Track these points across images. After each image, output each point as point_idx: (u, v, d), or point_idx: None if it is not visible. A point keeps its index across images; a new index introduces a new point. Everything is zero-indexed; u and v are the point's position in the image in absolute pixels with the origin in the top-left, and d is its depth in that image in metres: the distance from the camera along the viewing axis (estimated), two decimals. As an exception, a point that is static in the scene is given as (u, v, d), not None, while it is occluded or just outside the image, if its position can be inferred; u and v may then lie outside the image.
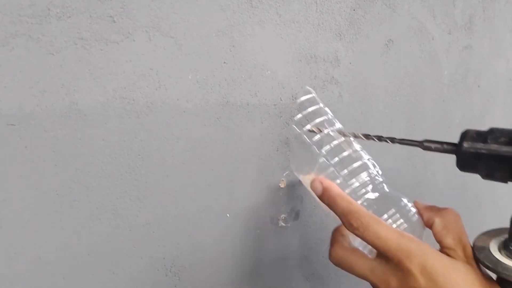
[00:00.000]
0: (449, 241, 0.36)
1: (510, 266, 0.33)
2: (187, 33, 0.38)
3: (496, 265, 0.33)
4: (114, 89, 0.35)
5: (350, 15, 0.52)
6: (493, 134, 0.34)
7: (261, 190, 0.46)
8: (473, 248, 0.35)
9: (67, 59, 0.32)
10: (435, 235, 0.37)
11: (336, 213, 0.36)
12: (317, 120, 0.42)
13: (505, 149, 0.32)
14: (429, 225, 0.38)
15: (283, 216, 0.49)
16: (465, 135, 0.36)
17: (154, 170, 0.38)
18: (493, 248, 0.35)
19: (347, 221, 0.35)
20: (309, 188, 0.40)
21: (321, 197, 0.38)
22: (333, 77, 0.51)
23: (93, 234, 0.35)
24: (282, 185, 0.48)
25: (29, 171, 0.32)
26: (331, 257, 0.38)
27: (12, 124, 0.30)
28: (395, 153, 0.62)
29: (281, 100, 0.46)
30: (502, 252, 0.35)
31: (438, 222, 0.37)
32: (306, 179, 0.42)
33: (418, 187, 0.68)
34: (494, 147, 0.33)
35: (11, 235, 0.31)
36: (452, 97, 0.70)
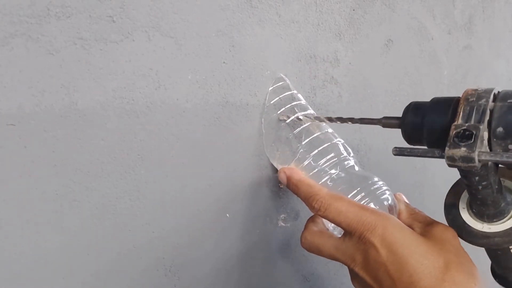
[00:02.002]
0: (404, 217, 0.36)
1: (475, 231, 0.32)
2: (186, 33, 0.38)
3: (461, 230, 0.33)
4: (114, 89, 0.35)
5: (350, 15, 0.52)
6: (433, 104, 0.33)
7: (261, 190, 0.46)
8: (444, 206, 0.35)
9: (67, 59, 0.32)
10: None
11: (300, 199, 0.37)
12: (288, 106, 0.43)
13: (439, 119, 0.32)
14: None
15: (283, 216, 0.49)
16: (407, 108, 0.36)
17: (154, 170, 0.38)
18: (462, 204, 0.35)
19: (309, 204, 0.35)
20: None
21: (287, 186, 0.39)
22: (332, 77, 0.51)
23: (93, 234, 0.35)
24: (282, 185, 0.48)
25: (29, 171, 0.31)
26: (301, 243, 0.38)
27: (11, 124, 0.30)
28: (395, 153, 0.62)
29: (280, 100, 0.46)
30: (471, 211, 0.34)
31: (404, 209, 0.38)
32: (279, 166, 0.43)
33: (418, 187, 0.68)
34: (431, 117, 0.32)
35: (10, 235, 0.31)
36: (452, 97, 0.70)
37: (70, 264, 0.34)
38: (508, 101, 0.29)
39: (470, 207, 0.34)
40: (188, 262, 0.41)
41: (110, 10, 0.34)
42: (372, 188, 0.37)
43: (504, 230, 0.32)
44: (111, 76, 0.34)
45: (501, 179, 0.33)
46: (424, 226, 0.34)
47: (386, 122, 0.37)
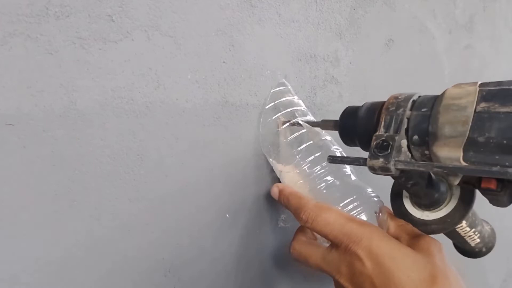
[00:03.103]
0: (392, 228, 0.37)
1: (415, 219, 0.34)
2: (186, 33, 0.38)
3: (404, 218, 0.35)
4: (113, 88, 0.35)
5: (350, 15, 0.52)
6: (363, 110, 0.35)
7: (261, 190, 0.46)
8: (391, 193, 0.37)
9: (66, 58, 0.32)
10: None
11: (291, 212, 0.37)
12: (288, 110, 0.43)
13: (366, 126, 0.34)
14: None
15: (282, 216, 0.48)
16: (343, 112, 0.37)
17: (153, 170, 0.38)
18: (405, 193, 0.36)
19: (298, 215, 0.36)
20: (277, 174, 0.43)
21: (279, 200, 0.39)
22: (333, 76, 0.51)
23: (92, 234, 0.35)
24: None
25: (28, 171, 0.31)
26: (290, 252, 0.38)
27: (10, 124, 0.30)
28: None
29: (280, 104, 0.46)
30: (412, 200, 0.36)
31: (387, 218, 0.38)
32: (275, 165, 0.44)
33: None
34: (361, 124, 0.35)
35: (9, 236, 0.31)
36: (453, 96, 0.70)
37: (70, 265, 0.34)
38: (422, 110, 0.31)
39: (411, 197, 0.36)
40: (188, 263, 0.41)
41: (109, 9, 0.33)
42: (365, 198, 0.38)
43: (439, 218, 0.33)
44: (110, 75, 0.34)
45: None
46: (411, 238, 0.35)
47: (324, 124, 0.40)
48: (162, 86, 0.37)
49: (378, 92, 0.58)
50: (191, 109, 0.39)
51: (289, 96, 0.44)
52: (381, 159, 0.30)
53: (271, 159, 0.44)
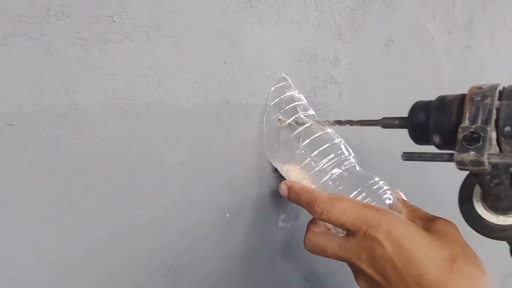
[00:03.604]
0: (405, 214, 0.37)
1: (490, 224, 0.32)
2: (186, 33, 0.38)
3: (477, 224, 0.32)
4: (114, 89, 0.35)
5: (350, 15, 0.52)
6: (438, 104, 0.32)
7: (261, 190, 0.46)
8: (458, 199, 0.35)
9: (67, 59, 0.32)
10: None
11: (302, 207, 0.37)
12: (290, 106, 0.43)
13: (445, 120, 0.31)
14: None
15: (282, 216, 0.49)
16: (413, 108, 0.34)
17: (154, 170, 0.38)
18: (476, 198, 0.34)
19: (312, 209, 0.35)
20: (282, 173, 0.42)
21: (288, 197, 0.39)
22: (333, 77, 0.51)
23: (92, 234, 0.35)
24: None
25: (28, 171, 0.31)
26: (305, 245, 0.38)
27: (11, 124, 0.30)
28: (395, 153, 0.62)
29: (282, 100, 0.46)
30: (485, 204, 0.34)
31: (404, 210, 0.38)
32: (280, 163, 0.43)
33: (418, 187, 0.68)
34: (437, 118, 0.32)
35: (10, 235, 0.31)
36: (452, 97, 0.70)
37: (70, 265, 0.34)
38: None
39: (484, 201, 0.34)
40: (188, 263, 0.41)
41: (110, 10, 0.34)
42: (373, 187, 0.37)
43: None
44: (110, 76, 0.34)
45: None
46: (425, 222, 0.34)
47: (386, 123, 0.37)
48: (163, 86, 0.37)
49: (378, 92, 0.58)
50: (191, 109, 0.39)
51: (290, 91, 0.44)
52: (472, 153, 0.27)
53: (275, 159, 0.44)
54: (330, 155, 0.40)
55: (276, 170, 0.47)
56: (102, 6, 0.33)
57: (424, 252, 0.30)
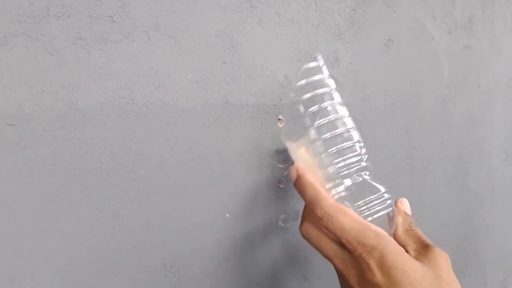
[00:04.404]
0: (400, 233, 0.37)
1: None
2: (186, 33, 0.38)
3: None
4: (114, 89, 0.35)
5: (350, 15, 0.52)
6: None
7: (261, 190, 0.46)
8: None
9: (67, 59, 0.32)
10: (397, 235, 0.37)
11: (304, 201, 0.37)
12: (318, 91, 0.40)
13: None
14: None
15: (282, 216, 0.49)
16: None
17: (154, 170, 0.38)
18: None
19: (312, 210, 0.35)
20: (293, 156, 0.40)
21: (294, 183, 0.38)
22: (333, 77, 0.51)
23: (92, 234, 0.35)
24: (281, 185, 0.48)
25: (28, 171, 0.31)
26: (301, 229, 0.38)
27: (11, 124, 0.30)
28: (395, 152, 0.62)
29: (280, 100, 0.46)
30: None
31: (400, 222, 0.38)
32: (293, 147, 0.41)
33: (418, 187, 0.68)
34: None
35: (10, 235, 0.31)
36: (452, 97, 0.70)
37: (70, 264, 0.34)
38: None
39: None
40: (188, 263, 0.41)
41: (110, 10, 0.34)
42: (376, 202, 0.37)
43: None
44: (110, 76, 0.34)
45: None
46: (419, 248, 0.35)
47: None
48: (163, 86, 0.37)
49: (377, 92, 0.58)
50: (191, 109, 0.39)
51: (321, 75, 0.41)
52: None
53: (289, 141, 0.41)
54: (347, 156, 0.38)
55: (276, 171, 0.47)
56: (102, 6, 0.33)
57: (413, 286, 0.30)
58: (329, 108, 0.39)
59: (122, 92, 0.35)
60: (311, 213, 0.36)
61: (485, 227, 0.83)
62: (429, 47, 0.65)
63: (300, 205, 0.50)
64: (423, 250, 0.34)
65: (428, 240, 0.36)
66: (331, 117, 0.39)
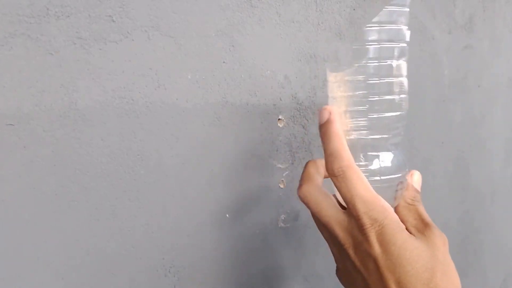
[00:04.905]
0: (401, 207, 0.36)
1: None
2: (186, 33, 0.38)
3: None
4: (113, 89, 0.35)
5: (350, 15, 0.52)
6: None
7: (261, 190, 0.46)
8: None
9: (66, 58, 0.32)
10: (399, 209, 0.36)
11: (324, 150, 0.34)
12: (392, 44, 0.35)
13: None
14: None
15: (282, 216, 0.49)
16: None
17: (153, 170, 0.38)
18: None
19: (331, 163, 0.33)
20: (329, 85, 0.35)
21: (320, 126, 0.35)
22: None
23: (92, 234, 0.35)
24: (282, 185, 0.48)
25: (28, 171, 0.31)
26: (300, 191, 0.35)
27: (10, 124, 0.30)
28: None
29: (280, 100, 0.46)
30: None
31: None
32: (331, 77, 0.35)
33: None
34: None
35: (9, 235, 0.31)
36: (452, 97, 0.70)
37: (70, 264, 0.34)
38: None
39: None
40: (188, 263, 0.41)
41: (109, 9, 0.34)
42: (394, 183, 0.35)
43: None
44: (110, 75, 0.34)
45: None
46: (419, 226, 0.35)
47: None
48: (163, 86, 0.37)
49: (378, 92, 0.58)
50: (191, 109, 0.39)
51: (400, 25, 0.35)
52: None
53: (329, 71, 0.36)
54: (387, 114, 0.34)
55: (276, 171, 0.47)
56: (101, 6, 0.33)
57: (409, 262, 0.31)
58: (393, 58, 0.34)
59: (122, 92, 0.35)
60: (327, 166, 0.34)
61: (485, 227, 0.83)
62: (429, 47, 0.65)
63: (300, 206, 0.50)
64: (422, 228, 0.34)
65: (428, 219, 0.35)
66: (389, 62, 0.34)
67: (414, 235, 0.33)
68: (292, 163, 0.48)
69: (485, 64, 0.78)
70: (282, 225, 0.49)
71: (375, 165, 0.35)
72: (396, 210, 0.36)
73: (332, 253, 0.36)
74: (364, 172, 0.34)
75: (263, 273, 0.48)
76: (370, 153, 0.35)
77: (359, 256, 0.32)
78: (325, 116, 0.35)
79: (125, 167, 0.36)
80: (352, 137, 0.35)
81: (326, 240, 0.36)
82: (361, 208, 0.32)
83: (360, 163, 0.35)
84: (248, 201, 0.45)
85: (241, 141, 0.44)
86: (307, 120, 0.49)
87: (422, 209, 0.37)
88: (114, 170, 0.35)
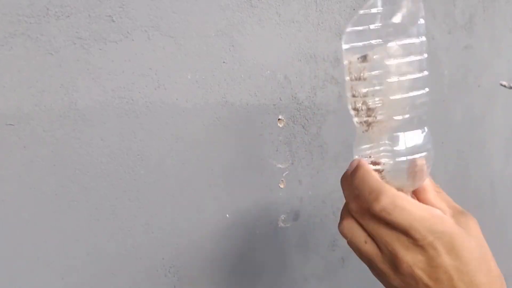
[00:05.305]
0: (431, 195, 0.36)
1: None
2: (186, 33, 0.38)
3: None
4: (113, 88, 0.35)
5: (350, 15, 0.52)
6: None
7: (261, 190, 0.46)
8: None
9: (66, 58, 0.32)
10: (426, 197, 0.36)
11: (361, 192, 0.33)
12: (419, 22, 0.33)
13: None
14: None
15: (282, 216, 0.49)
16: None
17: (153, 170, 0.38)
18: None
19: (376, 199, 0.32)
20: (343, 56, 0.33)
21: (352, 173, 0.35)
22: (332, 77, 0.51)
23: (92, 234, 0.35)
24: (282, 185, 0.48)
25: (28, 171, 0.31)
26: (343, 227, 0.35)
27: (10, 124, 0.30)
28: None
29: (280, 100, 0.46)
30: None
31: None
32: (348, 55, 0.33)
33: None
34: None
35: (9, 235, 0.31)
36: (452, 97, 0.70)
37: (70, 264, 0.34)
38: None
39: None
40: (188, 263, 0.41)
41: (109, 9, 0.34)
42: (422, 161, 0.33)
43: None
44: (110, 75, 0.34)
45: None
46: (456, 214, 0.35)
47: None
48: (162, 86, 0.37)
49: (378, 92, 0.58)
50: (191, 109, 0.39)
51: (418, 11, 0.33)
52: None
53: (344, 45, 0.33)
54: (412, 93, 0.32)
55: (275, 172, 0.47)
56: (101, 6, 0.33)
57: (471, 261, 0.32)
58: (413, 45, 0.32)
59: (122, 92, 0.35)
60: (371, 204, 0.33)
61: (485, 227, 0.83)
62: (429, 47, 0.65)
63: (300, 205, 0.50)
64: (460, 216, 0.34)
65: (459, 206, 0.35)
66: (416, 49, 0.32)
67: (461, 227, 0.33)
68: (292, 163, 0.48)
69: (485, 64, 0.78)
70: (282, 225, 0.49)
71: (401, 145, 0.34)
72: (429, 200, 0.36)
73: (381, 277, 0.35)
74: (389, 155, 0.34)
75: (263, 273, 0.48)
76: (395, 134, 0.34)
77: (428, 272, 0.32)
78: (355, 163, 0.35)
79: (125, 167, 0.36)
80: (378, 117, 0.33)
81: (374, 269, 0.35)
82: (424, 228, 0.32)
83: (386, 147, 0.34)
84: (248, 201, 0.45)
85: (241, 141, 0.44)
86: (307, 120, 0.49)
87: (446, 195, 0.37)
88: (114, 170, 0.35)
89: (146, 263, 0.38)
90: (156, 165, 0.38)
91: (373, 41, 0.33)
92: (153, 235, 0.39)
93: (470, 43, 0.73)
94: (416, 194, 0.36)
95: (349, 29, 0.33)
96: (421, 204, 0.33)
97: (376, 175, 0.34)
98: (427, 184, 0.36)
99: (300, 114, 0.48)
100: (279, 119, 0.44)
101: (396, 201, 0.32)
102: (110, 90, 0.34)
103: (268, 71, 0.45)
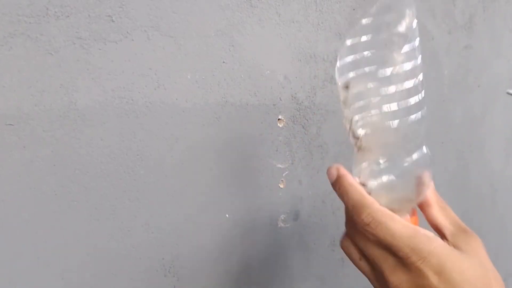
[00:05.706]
0: (435, 212, 0.35)
1: None
2: (186, 33, 0.38)
3: None
4: (113, 88, 0.35)
5: (350, 15, 0.52)
6: None
7: (261, 190, 0.46)
8: None
9: (66, 58, 0.32)
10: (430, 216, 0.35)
11: (346, 205, 0.34)
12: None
13: None
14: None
15: (282, 216, 0.49)
16: None
17: (153, 170, 0.38)
18: None
19: (357, 214, 0.32)
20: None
21: (333, 185, 0.35)
22: (332, 77, 0.51)
23: (92, 234, 0.35)
24: (281, 185, 0.48)
25: (28, 171, 0.31)
26: (344, 244, 0.35)
27: (10, 124, 0.30)
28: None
29: (280, 100, 0.46)
30: None
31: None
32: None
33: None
34: None
35: (9, 235, 0.31)
36: (452, 97, 0.70)
37: (70, 264, 0.34)
38: None
39: None
40: (188, 263, 0.41)
41: (109, 9, 0.34)
42: (423, 157, 0.33)
43: None
44: (110, 75, 0.34)
45: None
46: (458, 232, 0.33)
47: None
48: (162, 86, 0.37)
49: (377, 92, 0.58)
50: (191, 109, 0.39)
51: (405, 19, 0.31)
52: None
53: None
54: (409, 100, 0.31)
55: (275, 172, 0.47)
56: (101, 6, 0.33)
57: (466, 283, 0.31)
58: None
59: (122, 92, 0.35)
60: (355, 219, 0.33)
61: (485, 227, 0.83)
62: (429, 47, 0.65)
63: (300, 206, 0.50)
64: (461, 235, 0.33)
65: (462, 223, 0.34)
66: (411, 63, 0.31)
67: (459, 247, 0.32)
68: (292, 163, 0.48)
69: (485, 64, 0.78)
70: (282, 225, 0.49)
71: (388, 169, 0.34)
72: (432, 215, 0.35)
73: None
74: (375, 177, 0.33)
75: (263, 273, 0.48)
76: (383, 158, 0.33)
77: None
78: (334, 173, 0.35)
79: (125, 167, 0.36)
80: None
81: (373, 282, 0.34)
82: (406, 246, 0.31)
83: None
84: (248, 201, 0.45)
85: (241, 141, 0.44)
86: (307, 120, 0.49)
87: (451, 211, 0.36)
88: (114, 170, 0.35)
89: (145, 263, 0.38)
90: (156, 165, 0.38)
91: (351, 73, 0.32)
92: (153, 235, 0.39)
93: (470, 43, 0.73)
94: (419, 209, 0.35)
95: (340, 57, 0.32)
96: (405, 222, 0.32)
97: (359, 188, 0.33)
98: (431, 199, 0.35)
99: (300, 114, 0.48)
100: (279, 119, 0.44)
101: (378, 216, 0.32)
102: (110, 90, 0.34)
103: (268, 71, 0.45)
